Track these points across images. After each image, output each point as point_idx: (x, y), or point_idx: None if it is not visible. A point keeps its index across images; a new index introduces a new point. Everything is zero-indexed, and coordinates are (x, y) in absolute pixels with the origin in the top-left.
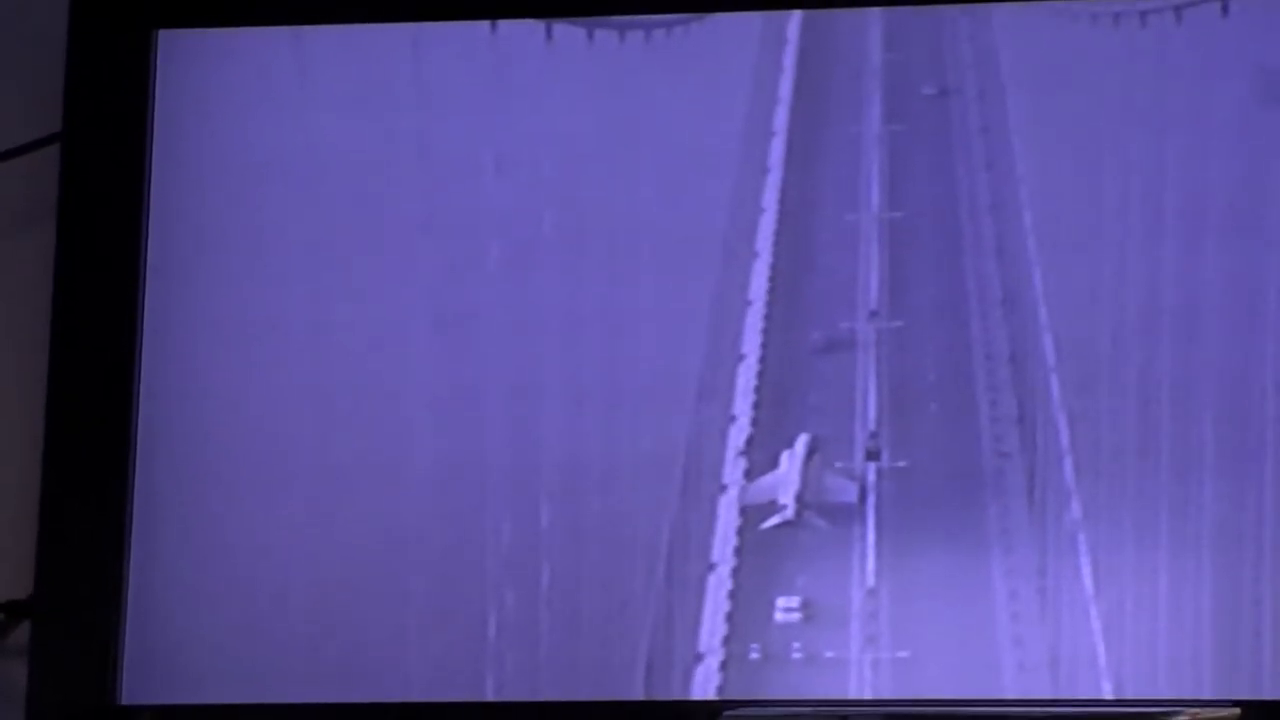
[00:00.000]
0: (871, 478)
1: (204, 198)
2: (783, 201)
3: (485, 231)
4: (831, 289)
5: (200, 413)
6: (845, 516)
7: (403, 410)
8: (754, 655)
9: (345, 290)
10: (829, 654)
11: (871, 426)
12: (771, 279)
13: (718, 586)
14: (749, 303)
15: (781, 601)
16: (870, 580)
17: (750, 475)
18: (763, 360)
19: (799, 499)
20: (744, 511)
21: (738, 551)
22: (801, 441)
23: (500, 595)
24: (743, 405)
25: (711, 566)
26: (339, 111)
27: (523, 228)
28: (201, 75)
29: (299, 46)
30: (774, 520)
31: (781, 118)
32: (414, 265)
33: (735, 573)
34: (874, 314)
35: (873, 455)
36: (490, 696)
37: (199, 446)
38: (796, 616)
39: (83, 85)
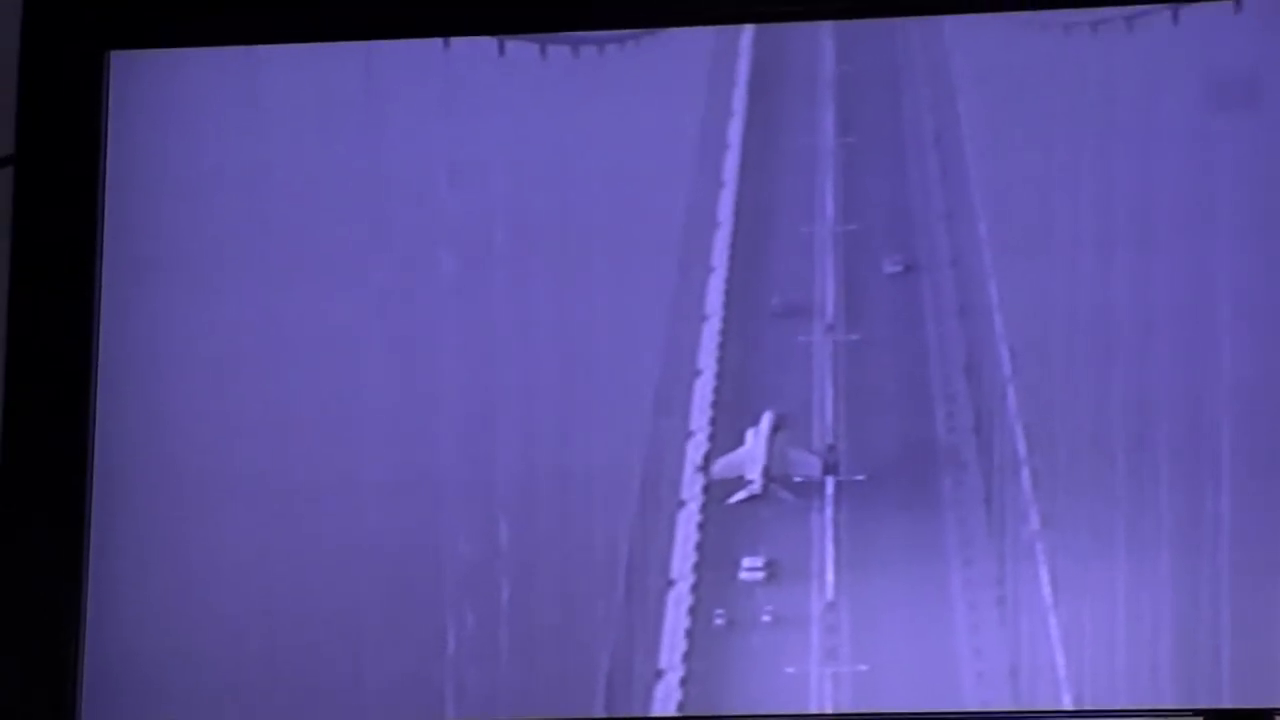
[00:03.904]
0: (830, 490)
1: (158, 218)
2: (738, 215)
3: (441, 247)
4: (787, 303)
5: (156, 431)
6: (809, 491)
7: (360, 427)
8: (719, 621)
9: (300, 307)
10: (789, 670)
11: (829, 439)
12: (727, 293)
13: (677, 603)
14: (705, 317)
15: (747, 561)
16: (829, 593)
17: (709, 491)
18: (719, 375)
19: (765, 473)
20: (703, 521)
21: (697, 567)
22: (766, 419)
23: (459, 613)
24: (700, 420)
25: (671, 583)
26: (293, 131)
27: (477, 243)
28: (154, 96)
29: (252, 66)
30: (741, 495)
31: (735, 131)
32: (370, 281)
33: (695, 589)
34: (830, 327)
35: (830, 469)
36: (450, 715)
37: (156, 465)
38: (760, 575)
39: (36, 107)
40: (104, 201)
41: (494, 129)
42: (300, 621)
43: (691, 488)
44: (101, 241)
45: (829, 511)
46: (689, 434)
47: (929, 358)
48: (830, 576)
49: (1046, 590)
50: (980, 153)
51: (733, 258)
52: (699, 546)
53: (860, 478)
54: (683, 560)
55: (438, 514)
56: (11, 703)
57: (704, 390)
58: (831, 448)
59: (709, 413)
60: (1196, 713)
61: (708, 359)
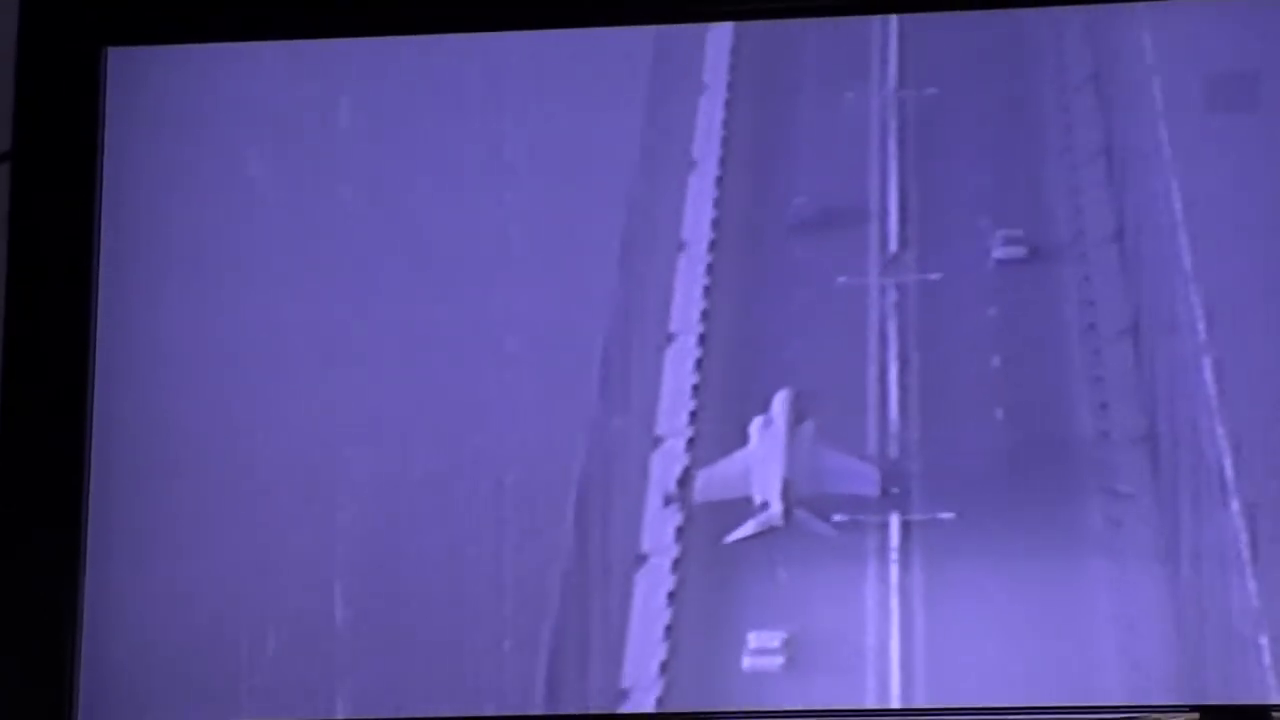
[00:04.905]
0: (895, 534)
1: (155, 214)
2: (734, 73)
3: (429, 245)
4: (820, 212)
5: (154, 430)
6: (860, 531)
7: (355, 427)
8: None
9: (297, 305)
10: None
11: (893, 453)
12: (718, 203)
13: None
14: (681, 245)
15: (756, 638)
16: (894, 694)
17: (687, 531)
18: (704, 341)
19: (786, 492)
20: (675, 589)
21: (665, 668)
22: (782, 401)
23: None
24: (673, 416)
25: (623, 694)
26: (290, 128)
27: (485, 243)
28: (151, 93)
29: (249, 63)
30: (747, 529)
31: None
32: (367, 280)
33: (662, 700)
34: (894, 259)
35: (894, 498)
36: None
37: (154, 464)
38: (777, 660)
39: (33, 103)
40: (101, 198)
41: (475, 120)
42: (296, 623)
43: (658, 531)
44: (98, 238)
45: (893, 568)
46: (655, 441)
47: (1063, 313)
48: (895, 677)
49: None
50: None
51: (727, 145)
52: (670, 631)
53: (946, 515)
54: (640, 661)
55: (429, 518)
56: (9, 704)
57: (679, 366)
58: (896, 463)
59: (688, 403)
60: (1194, 708)
61: (685, 315)
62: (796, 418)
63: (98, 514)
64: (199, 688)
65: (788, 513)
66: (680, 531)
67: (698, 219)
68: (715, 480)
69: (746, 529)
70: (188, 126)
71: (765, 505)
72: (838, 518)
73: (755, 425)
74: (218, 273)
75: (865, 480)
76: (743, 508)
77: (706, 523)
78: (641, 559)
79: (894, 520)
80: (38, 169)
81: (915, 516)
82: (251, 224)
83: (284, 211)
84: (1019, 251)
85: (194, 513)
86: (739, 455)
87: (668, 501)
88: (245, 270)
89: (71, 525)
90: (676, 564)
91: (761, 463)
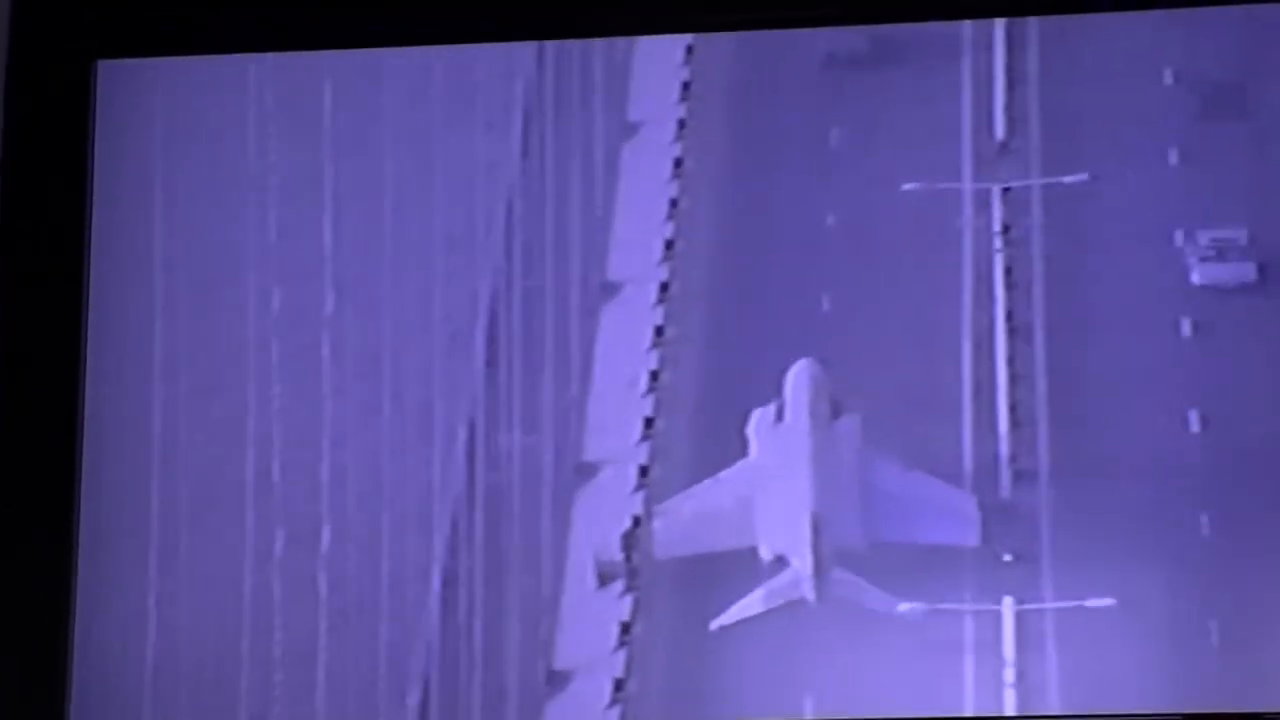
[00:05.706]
0: (1009, 636)
1: (145, 226)
2: None
3: (428, 247)
4: (874, 58)
5: (144, 438)
6: (953, 625)
7: (344, 432)
8: None
9: (285, 315)
10: None
11: (1003, 485)
12: (691, 59)
13: None
14: (630, 128)
15: None
16: None
17: (641, 630)
18: (667, 292)
19: (816, 543)
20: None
21: None
22: (801, 378)
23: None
24: (612, 429)
25: None
26: (279, 140)
27: (466, 245)
28: (142, 105)
29: (238, 75)
30: (751, 607)
31: None
32: (353, 289)
33: None
34: (1003, 148)
35: (1005, 568)
36: None
37: (143, 474)
38: None
39: (23, 116)
40: (92, 209)
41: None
42: (290, 626)
43: (588, 629)
44: (89, 248)
45: (1008, 695)
46: (582, 469)
47: None
48: None
49: None
50: None
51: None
52: None
53: (1099, 603)
54: None
55: (424, 520)
56: (4, 704)
57: (624, 338)
58: (1009, 505)
59: (641, 404)
60: (1185, 717)
61: (635, 249)
62: (831, 409)
63: (89, 517)
64: (192, 690)
65: (819, 574)
66: (627, 628)
67: (656, 81)
68: (689, 521)
69: (749, 606)
70: (178, 138)
71: (780, 562)
72: (906, 605)
73: (756, 422)
74: (206, 282)
75: (955, 521)
76: (740, 568)
77: (674, 601)
78: (559, 678)
79: (1008, 606)
80: (29, 180)
81: (1045, 604)
82: (242, 234)
83: (278, 222)
84: (1250, 274)
85: (185, 515)
86: (729, 475)
87: (605, 578)
88: (235, 280)
89: (64, 528)
90: (620, 685)
91: (770, 486)
